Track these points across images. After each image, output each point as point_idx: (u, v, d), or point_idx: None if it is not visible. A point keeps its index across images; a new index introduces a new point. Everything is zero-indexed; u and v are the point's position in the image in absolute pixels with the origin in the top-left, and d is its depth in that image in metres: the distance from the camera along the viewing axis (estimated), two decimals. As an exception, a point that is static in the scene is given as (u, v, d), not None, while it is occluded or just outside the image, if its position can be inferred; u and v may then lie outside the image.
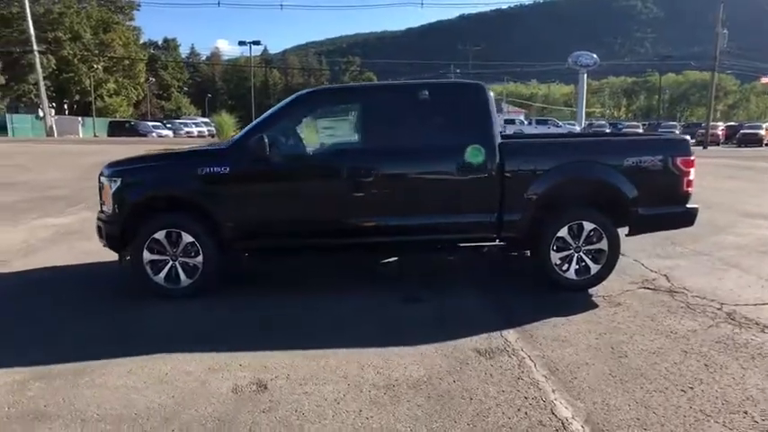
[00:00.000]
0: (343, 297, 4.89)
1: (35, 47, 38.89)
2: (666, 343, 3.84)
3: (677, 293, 4.95)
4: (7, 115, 47.32)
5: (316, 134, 5.35)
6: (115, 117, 59.10)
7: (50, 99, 58.38)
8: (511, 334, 4.02)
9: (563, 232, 4.87)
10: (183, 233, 4.82)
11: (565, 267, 4.92)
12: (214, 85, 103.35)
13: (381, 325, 4.26)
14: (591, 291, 4.95)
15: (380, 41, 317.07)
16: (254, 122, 5.23)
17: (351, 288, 5.19)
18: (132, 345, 3.86)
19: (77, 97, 60.11)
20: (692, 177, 4.91)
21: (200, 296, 4.82)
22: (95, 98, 58.56)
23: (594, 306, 4.63)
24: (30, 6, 41.67)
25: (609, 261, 4.90)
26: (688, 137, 5.39)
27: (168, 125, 53.19)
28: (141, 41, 76.93)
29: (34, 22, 46.24)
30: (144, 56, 69.59)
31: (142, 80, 69.36)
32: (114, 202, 4.90)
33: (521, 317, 4.35)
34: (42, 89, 41.22)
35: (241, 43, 52.10)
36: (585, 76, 46.53)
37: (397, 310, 4.58)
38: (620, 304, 4.66)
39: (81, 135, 44.84)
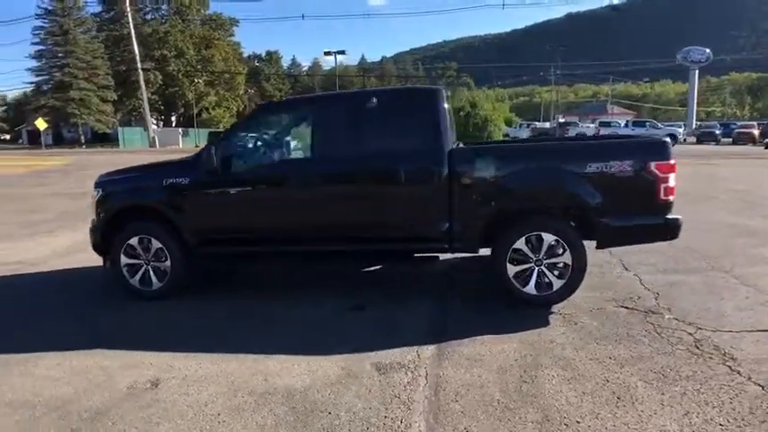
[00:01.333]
0: (294, 304, 4.90)
1: (139, 65, 42.82)
2: (593, 369, 3.45)
3: (654, 314, 4.43)
4: (119, 128, 52.45)
5: (270, 145, 5.40)
6: (218, 127, 63.31)
7: (159, 112, 64.10)
8: (430, 349, 3.81)
9: (520, 244, 4.54)
10: (152, 239, 5.09)
11: (523, 281, 4.58)
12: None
13: (312, 333, 4.21)
14: (556, 307, 4.57)
15: (484, 44, 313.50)
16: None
17: (304, 296, 5.17)
18: (80, 340, 4.17)
19: (182, 110, 65.22)
20: (671, 184, 4.37)
21: (167, 299, 5.08)
22: (201, 110, 63.30)
23: (545, 324, 4.26)
24: (138, 27, 46.00)
25: (573, 276, 4.49)
26: (668, 139, 4.80)
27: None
28: (245, 55, 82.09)
29: (143, 42, 51.06)
30: (243, 69, 73.99)
31: (241, 92, 73.87)
32: (96, 210, 5.31)
33: (455, 331, 4.11)
34: (145, 104, 45.22)
35: (326, 53, 53.76)
36: (697, 73, 43.05)
37: (337, 320, 4.50)
38: (576, 323, 4.26)
39: (181, 145, 48.49)
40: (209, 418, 2.99)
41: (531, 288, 4.56)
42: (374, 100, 4.77)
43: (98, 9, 57.49)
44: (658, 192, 4.35)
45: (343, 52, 57.02)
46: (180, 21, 60.97)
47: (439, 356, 3.70)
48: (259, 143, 5.38)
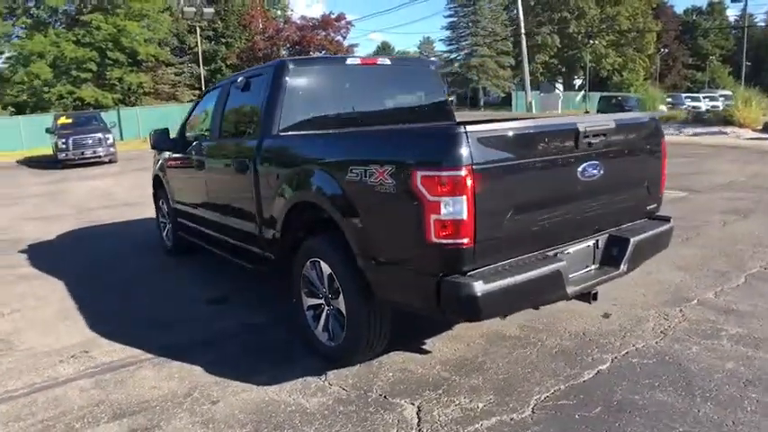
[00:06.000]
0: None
1: (522, 29, 43.68)
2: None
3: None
4: (513, 92, 55.45)
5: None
6: (628, 91, 59.03)
7: (561, 75, 64.30)
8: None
9: (307, 270, 3.52)
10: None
11: (315, 321, 3.55)
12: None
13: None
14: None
15: None
16: None
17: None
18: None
19: (581, 72, 63.54)
20: (444, 215, 2.51)
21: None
22: (609, 73, 60.13)
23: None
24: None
25: (350, 330, 3.21)
26: (463, 128, 2.55)
27: (669, 99, 49.56)
28: (677, 10, 72.80)
29: (547, 3, 51.31)
30: (656, 26, 66.11)
31: (651, 51, 66.47)
32: None
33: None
34: (525, 68, 46.08)
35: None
36: None
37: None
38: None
39: (560, 110, 47.91)
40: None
41: (321, 332, 3.51)
42: (241, 80, 4.32)
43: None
44: (424, 226, 2.57)
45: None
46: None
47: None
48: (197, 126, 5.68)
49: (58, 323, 4.47)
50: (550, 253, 2.85)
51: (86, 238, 7.88)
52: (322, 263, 3.33)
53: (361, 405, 3.02)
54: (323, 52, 47.50)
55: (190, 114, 5.66)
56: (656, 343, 3.61)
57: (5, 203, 12.05)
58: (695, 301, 4.34)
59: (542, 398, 3.00)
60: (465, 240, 2.46)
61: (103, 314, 4.64)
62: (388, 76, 4.47)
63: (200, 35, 33.76)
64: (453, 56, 61.40)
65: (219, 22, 42.83)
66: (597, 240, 3.15)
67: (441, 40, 71.19)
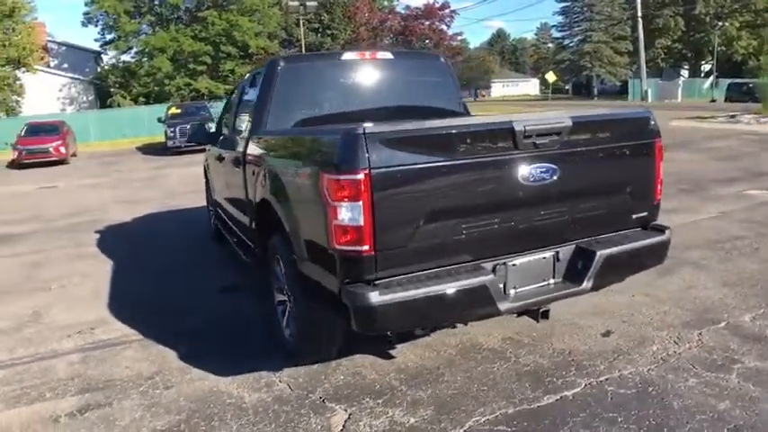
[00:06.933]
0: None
1: (639, 12, 40.23)
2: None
3: None
4: (630, 80, 51.43)
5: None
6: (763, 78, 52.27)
7: (686, 61, 58.59)
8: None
9: (274, 266, 3.55)
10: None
11: (282, 317, 3.58)
12: None
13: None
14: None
15: None
16: None
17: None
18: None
19: (709, 57, 57.43)
20: (343, 220, 2.39)
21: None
22: (744, 58, 53.78)
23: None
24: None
25: (298, 329, 3.20)
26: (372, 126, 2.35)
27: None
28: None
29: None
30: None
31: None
32: None
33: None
34: (641, 54, 42.60)
35: None
36: None
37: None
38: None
39: (680, 99, 43.57)
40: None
41: (284, 326, 3.52)
42: (248, 77, 4.43)
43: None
44: (328, 231, 2.47)
45: None
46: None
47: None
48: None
49: (86, 301, 4.90)
50: (487, 264, 2.59)
51: (153, 222, 8.54)
52: (280, 260, 3.33)
53: (296, 406, 2.98)
54: (426, 42, 47.23)
55: (224, 109, 5.90)
56: (648, 370, 3.18)
57: (110, 185, 13.41)
58: (723, 323, 3.76)
59: (481, 420, 2.77)
60: (365, 247, 2.32)
61: (126, 295, 5.01)
62: (390, 72, 4.31)
63: (305, 27, 35.04)
64: (566, 42, 58.23)
65: (325, 15, 44.20)
66: (558, 252, 2.82)
67: (553, 26, 67.65)
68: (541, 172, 2.59)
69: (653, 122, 3.06)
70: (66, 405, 3.13)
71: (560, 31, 58.82)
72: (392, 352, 3.55)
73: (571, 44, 57.33)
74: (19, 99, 28.86)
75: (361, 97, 4.18)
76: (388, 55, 4.34)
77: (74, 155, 21.09)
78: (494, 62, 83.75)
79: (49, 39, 38.08)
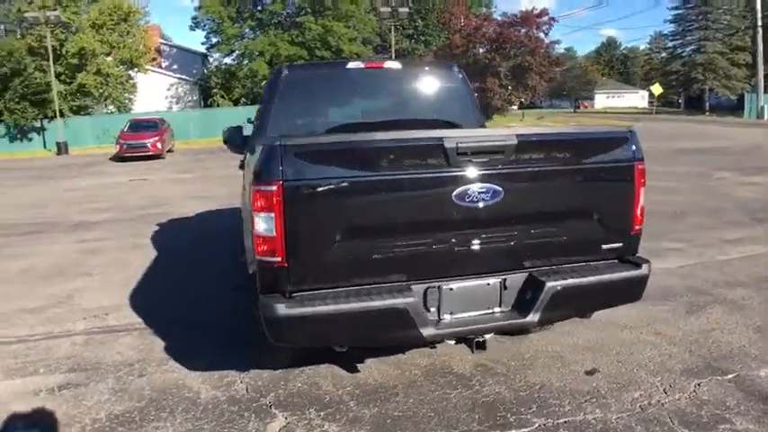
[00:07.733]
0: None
1: (758, 21, 36.51)
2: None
3: None
4: (747, 94, 46.91)
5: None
6: None
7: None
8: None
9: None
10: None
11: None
12: None
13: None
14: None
15: None
16: None
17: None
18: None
19: None
20: (260, 230, 2.43)
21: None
22: None
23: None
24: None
25: (255, 334, 3.27)
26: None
27: None
28: None
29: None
30: None
31: None
32: None
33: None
34: (760, 65, 38.49)
35: None
36: None
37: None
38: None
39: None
40: None
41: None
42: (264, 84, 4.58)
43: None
44: (254, 240, 2.54)
45: None
46: None
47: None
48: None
49: (115, 288, 5.32)
50: (418, 287, 2.50)
51: (209, 218, 9.05)
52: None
53: (243, 408, 3.06)
54: (520, 49, 46.09)
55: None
56: (617, 419, 2.91)
57: (191, 181, 14.41)
58: (732, 375, 3.35)
59: (410, 447, 2.68)
60: (277, 259, 2.34)
61: (151, 285, 5.39)
62: (398, 81, 4.29)
63: (396, 33, 35.46)
64: (678, 51, 54.35)
65: (420, 21, 44.47)
66: (505, 279, 2.65)
67: (663, 34, 63.29)
68: (480, 192, 2.46)
69: (633, 144, 2.79)
70: (51, 381, 3.44)
71: (672, 40, 55.04)
72: (359, 365, 3.53)
73: (683, 54, 53.45)
74: (131, 97, 31.75)
75: (364, 107, 4.20)
76: (396, 65, 4.33)
77: (170, 150, 22.86)
78: (597, 72, 79.89)
79: (162, 41, 41.56)
